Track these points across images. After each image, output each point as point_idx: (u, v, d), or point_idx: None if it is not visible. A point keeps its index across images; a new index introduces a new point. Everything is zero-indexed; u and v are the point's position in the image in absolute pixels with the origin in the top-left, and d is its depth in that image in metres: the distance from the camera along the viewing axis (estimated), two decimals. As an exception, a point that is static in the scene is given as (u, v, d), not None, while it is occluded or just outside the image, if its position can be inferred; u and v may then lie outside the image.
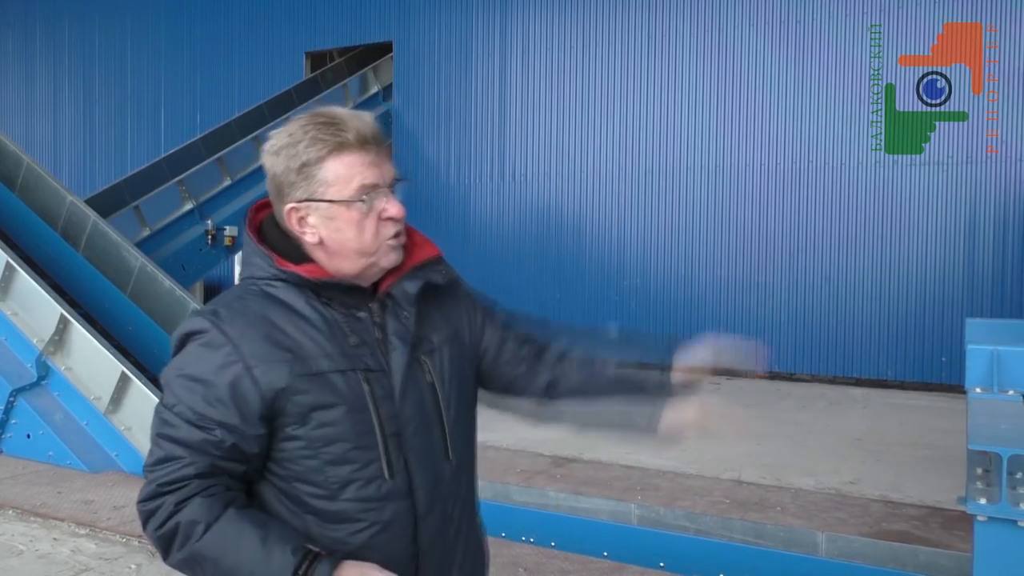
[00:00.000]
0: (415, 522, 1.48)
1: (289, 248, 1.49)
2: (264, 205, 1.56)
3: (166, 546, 1.39)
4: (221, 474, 1.41)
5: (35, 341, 6.52)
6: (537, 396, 1.73)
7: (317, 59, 13.74)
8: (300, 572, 1.33)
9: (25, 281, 6.73)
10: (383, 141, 1.50)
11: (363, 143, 1.45)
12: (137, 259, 7.53)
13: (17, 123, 16.11)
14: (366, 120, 1.47)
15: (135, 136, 15.16)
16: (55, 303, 6.55)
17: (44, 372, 6.45)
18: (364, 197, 1.45)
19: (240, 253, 12.64)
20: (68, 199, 7.96)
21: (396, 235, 1.50)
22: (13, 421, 6.38)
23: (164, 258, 8.83)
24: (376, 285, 1.52)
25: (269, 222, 1.54)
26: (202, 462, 1.39)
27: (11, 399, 6.36)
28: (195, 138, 11.09)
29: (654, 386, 1.75)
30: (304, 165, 1.44)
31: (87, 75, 15.66)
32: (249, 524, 1.38)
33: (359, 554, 1.43)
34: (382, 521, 1.45)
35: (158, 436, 1.43)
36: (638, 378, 1.75)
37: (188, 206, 9.74)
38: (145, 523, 1.42)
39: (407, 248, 1.56)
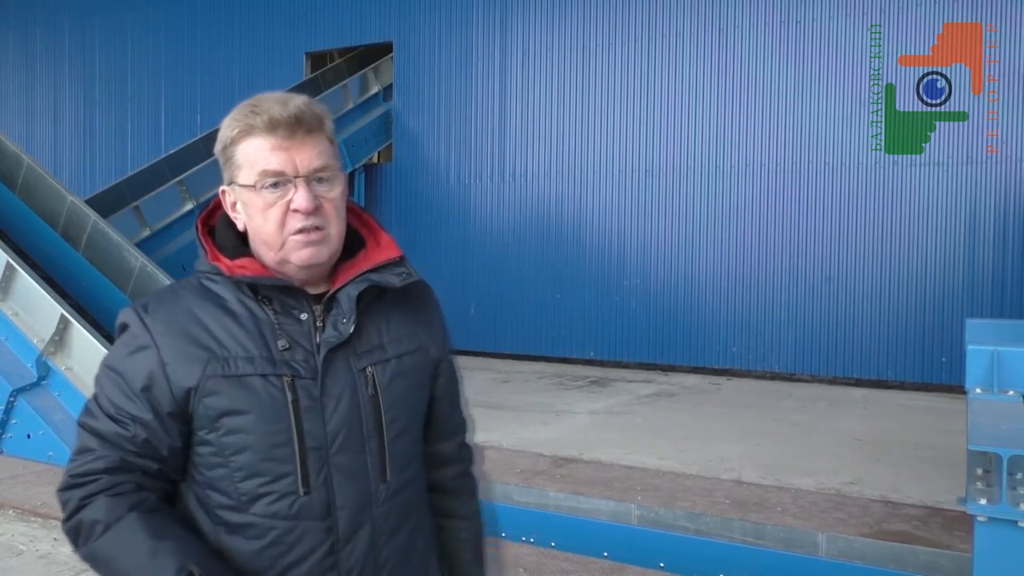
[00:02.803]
0: (333, 547, 1.38)
1: (233, 243, 1.44)
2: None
3: (73, 540, 1.35)
4: (133, 471, 1.35)
5: (35, 341, 6.52)
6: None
7: (317, 59, 13.75)
8: None
9: (25, 281, 6.73)
10: (307, 126, 1.39)
11: (272, 127, 1.35)
12: (137, 259, 7.54)
13: (17, 123, 16.12)
14: (291, 105, 1.37)
15: (135, 136, 15.15)
16: (55, 303, 6.55)
17: (44, 372, 6.45)
18: (266, 184, 1.36)
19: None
20: (68, 199, 7.97)
21: (305, 230, 1.37)
22: (13, 421, 6.38)
23: (164, 258, 8.82)
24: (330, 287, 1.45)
25: (226, 217, 1.48)
26: (112, 456, 1.34)
27: (11, 399, 6.37)
28: (195, 138, 11.08)
29: None
30: (224, 147, 1.40)
31: (87, 75, 15.67)
32: (145, 532, 1.30)
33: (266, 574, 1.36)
34: (292, 542, 1.36)
35: (79, 425, 1.39)
36: None
37: (188, 206, 9.73)
38: (62, 511, 1.38)
39: (368, 250, 1.49)
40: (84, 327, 6.47)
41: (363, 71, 13.06)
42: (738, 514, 4.98)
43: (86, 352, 6.41)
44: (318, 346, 1.39)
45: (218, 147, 1.42)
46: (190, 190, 9.80)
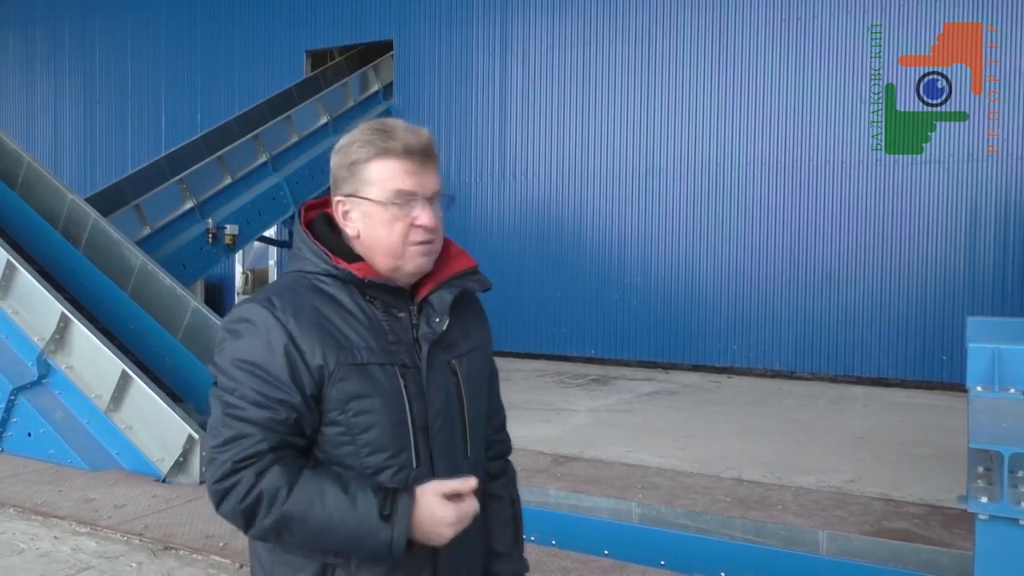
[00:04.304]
0: None
1: (339, 247, 1.62)
2: (313, 205, 1.70)
3: (250, 517, 1.47)
4: (289, 447, 1.52)
5: (36, 339, 6.52)
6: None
7: (317, 57, 13.74)
8: (385, 511, 1.44)
9: (26, 280, 6.73)
10: (432, 156, 1.60)
11: (407, 153, 1.56)
12: (138, 258, 7.53)
13: (18, 122, 16.12)
14: (420, 135, 1.58)
15: (136, 135, 15.15)
16: (56, 302, 6.55)
17: (45, 370, 6.46)
18: (397, 201, 1.55)
19: (241, 252, 12.67)
20: (69, 197, 7.96)
21: (424, 242, 1.58)
22: (14, 420, 6.39)
23: (165, 257, 8.81)
24: (416, 289, 1.63)
25: (320, 220, 1.66)
26: (273, 437, 1.49)
27: (12, 397, 6.37)
28: (195, 137, 11.08)
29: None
30: (353, 163, 1.58)
31: (87, 74, 15.67)
32: (328, 479, 1.48)
33: None
34: None
35: (225, 417, 1.51)
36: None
37: (189, 205, 9.73)
38: (221, 501, 1.49)
39: (444, 258, 1.68)
40: (84, 325, 6.47)
41: (363, 69, 13.06)
42: (739, 512, 4.98)
43: (86, 351, 6.41)
44: (416, 340, 1.60)
45: (344, 162, 1.59)
46: (190, 189, 9.79)
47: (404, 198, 1.56)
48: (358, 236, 1.60)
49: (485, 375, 1.75)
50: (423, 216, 1.57)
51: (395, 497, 1.46)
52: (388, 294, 1.59)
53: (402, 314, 1.60)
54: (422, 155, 1.58)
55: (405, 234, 1.57)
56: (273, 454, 1.48)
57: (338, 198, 1.61)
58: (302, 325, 1.52)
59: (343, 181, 1.60)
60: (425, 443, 1.57)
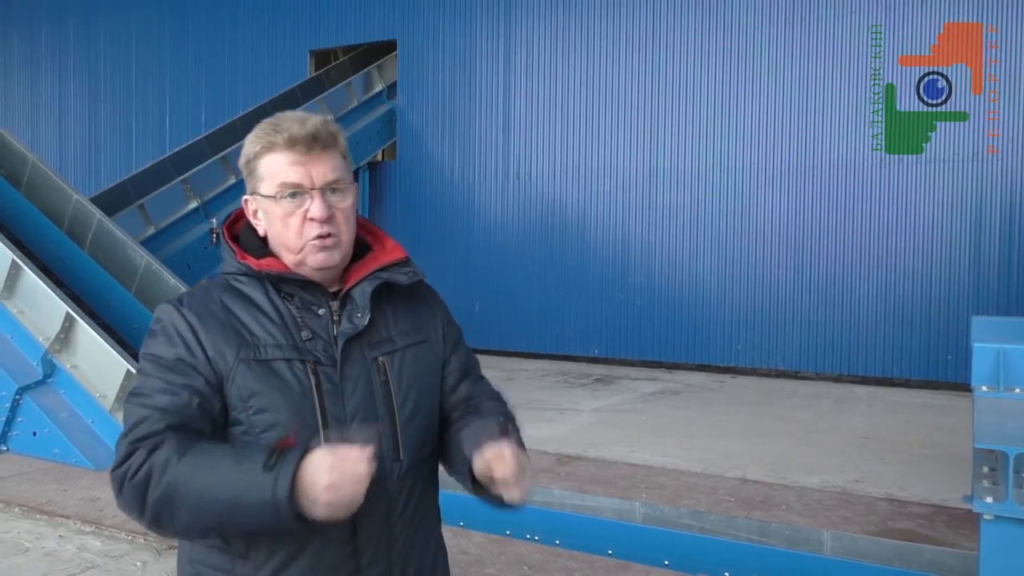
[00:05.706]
0: (354, 518, 1.44)
1: (257, 246, 1.58)
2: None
3: (142, 495, 1.38)
4: (192, 429, 1.45)
5: (41, 339, 6.53)
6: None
7: (321, 57, 13.75)
8: (270, 462, 1.33)
9: (31, 279, 6.74)
10: (324, 144, 1.52)
11: (292, 144, 1.50)
12: (142, 257, 7.55)
13: (23, 122, 16.15)
14: (309, 124, 1.52)
15: (140, 135, 15.17)
16: (60, 301, 6.57)
17: (50, 370, 6.47)
18: (285, 194, 1.50)
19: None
20: (73, 197, 7.98)
21: (321, 236, 1.51)
22: (19, 419, 6.40)
23: (169, 256, 8.83)
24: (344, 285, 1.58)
25: (248, 224, 1.62)
26: (173, 419, 1.43)
27: (17, 397, 6.38)
28: (200, 136, 11.10)
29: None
30: (248, 160, 1.55)
31: (92, 74, 15.69)
32: (220, 449, 1.42)
33: (299, 543, 1.46)
34: None
35: (130, 405, 1.47)
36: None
37: (193, 204, 9.75)
38: (120, 486, 1.41)
39: (376, 252, 1.63)
40: (89, 325, 6.48)
41: (367, 69, 13.07)
42: (743, 512, 4.98)
43: (91, 350, 6.42)
44: (335, 337, 1.53)
45: (242, 161, 1.57)
46: (194, 188, 9.81)
47: (290, 190, 1.50)
48: (265, 233, 1.56)
49: (431, 372, 1.64)
50: (314, 208, 1.50)
51: (284, 450, 1.35)
52: (304, 290, 1.54)
53: (322, 310, 1.54)
54: (308, 144, 1.50)
55: (299, 229, 1.51)
56: (171, 431, 1.42)
57: (245, 197, 1.58)
58: (205, 322, 1.49)
59: (247, 179, 1.57)
60: (341, 443, 1.44)
